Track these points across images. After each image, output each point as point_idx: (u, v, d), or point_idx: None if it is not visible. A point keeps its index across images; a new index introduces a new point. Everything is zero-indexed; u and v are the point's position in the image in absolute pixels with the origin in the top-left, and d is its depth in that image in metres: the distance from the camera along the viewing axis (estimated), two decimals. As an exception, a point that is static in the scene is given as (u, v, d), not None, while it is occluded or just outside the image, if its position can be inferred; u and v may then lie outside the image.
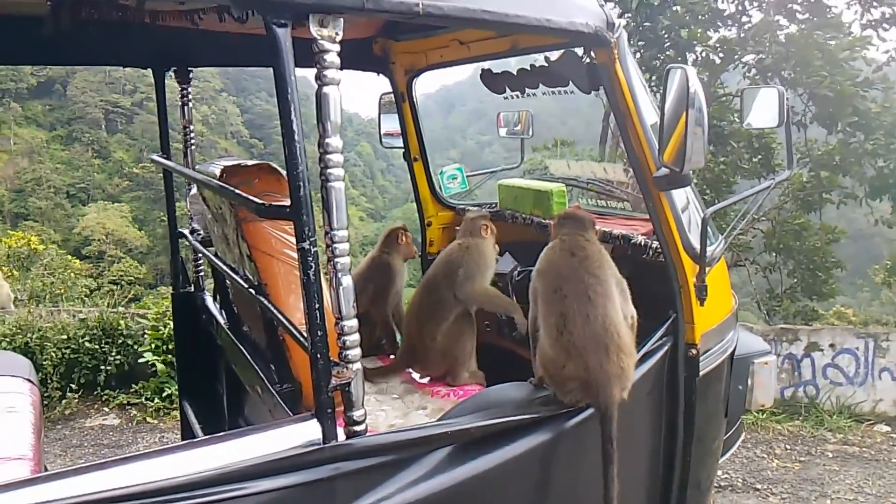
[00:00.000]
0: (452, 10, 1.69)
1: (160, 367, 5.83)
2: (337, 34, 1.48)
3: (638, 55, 9.17)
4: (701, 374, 2.35)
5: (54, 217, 42.36)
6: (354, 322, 1.55)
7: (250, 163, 2.34)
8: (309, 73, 1.57)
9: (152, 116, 3.30)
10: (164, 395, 5.83)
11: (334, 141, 1.50)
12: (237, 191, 1.87)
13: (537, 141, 12.69)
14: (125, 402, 5.94)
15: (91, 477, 1.39)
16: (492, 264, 2.96)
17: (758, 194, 2.68)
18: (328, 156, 1.49)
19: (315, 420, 1.52)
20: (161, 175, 3.40)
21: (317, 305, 1.49)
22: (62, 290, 10.24)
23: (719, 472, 4.69)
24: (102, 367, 5.94)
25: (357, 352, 1.56)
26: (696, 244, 2.30)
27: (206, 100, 53.49)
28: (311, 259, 1.47)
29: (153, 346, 5.87)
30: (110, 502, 1.32)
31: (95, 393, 6.03)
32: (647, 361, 2.24)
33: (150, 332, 5.95)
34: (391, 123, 3.78)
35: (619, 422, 2.01)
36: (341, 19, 1.48)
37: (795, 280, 9.85)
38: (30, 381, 2.88)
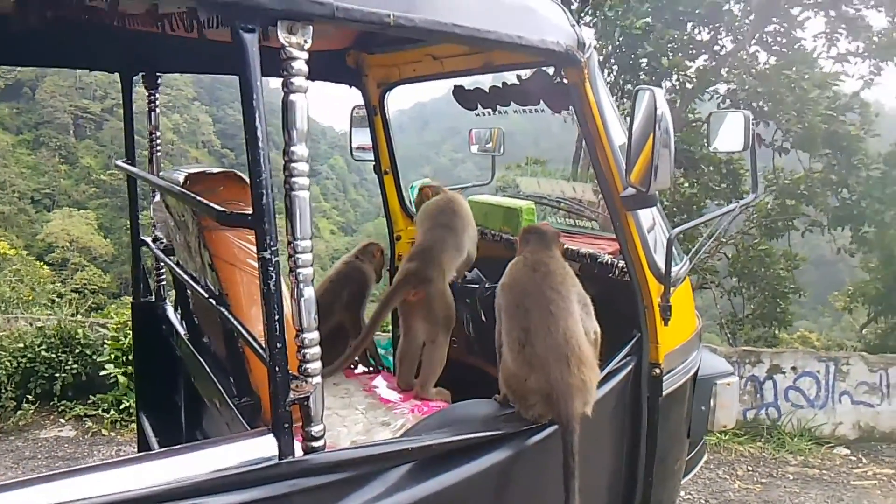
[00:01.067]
0: (423, 22, 1.69)
1: (121, 379, 5.69)
2: (306, 41, 1.47)
3: (610, 78, 9.33)
4: (664, 393, 2.36)
5: (17, 223, 41.35)
6: (315, 335, 1.53)
7: (215, 170, 2.30)
8: (275, 83, 1.55)
9: (121, 123, 3.24)
10: (122, 407, 5.69)
11: (300, 149, 1.47)
12: (199, 198, 1.83)
13: (510, 159, 12.80)
14: (82, 413, 5.79)
15: (37, 489, 1.33)
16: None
17: (722, 217, 2.72)
18: (293, 164, 1.47)
19: (271, 434, 1.48)
20: (126, 181, 3.34)
21: (276, 317, 1.46)
22: (30, 297, 9.98)
23: (682, 493, 4.71)
24: (59, 377, 5.79)
25: (317, 365, 1.53)
26: (662, 264, 2.32)
27: (178, 108, 52.95)
28: (271, 269, 1.45)
29: (113, 356, 5.73)
30: None
31: (51, 403, 5.87)
32: (611, 380, 2.24)
33: (110, 343, 5.81)
34: (363, 137, 3.76)
35: (581, 439, 2.01)
36: (310, 27, 1.47)
37: (756, 305, 10.03)
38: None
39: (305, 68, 1.47)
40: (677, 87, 9.40)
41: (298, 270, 1.50)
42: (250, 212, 1.46)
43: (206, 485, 1.40)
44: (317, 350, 1.53)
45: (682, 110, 9.34)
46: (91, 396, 5.85)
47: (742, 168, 9.64)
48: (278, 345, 1.46)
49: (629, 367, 2.30)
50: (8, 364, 5.67)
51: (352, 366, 3.18)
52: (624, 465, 2.41)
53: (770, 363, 5.97)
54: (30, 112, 49.31)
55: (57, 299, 9.31)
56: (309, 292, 1.51)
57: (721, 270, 10.62)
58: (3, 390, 5.58)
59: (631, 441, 2.38)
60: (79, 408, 5.81)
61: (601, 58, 9.31)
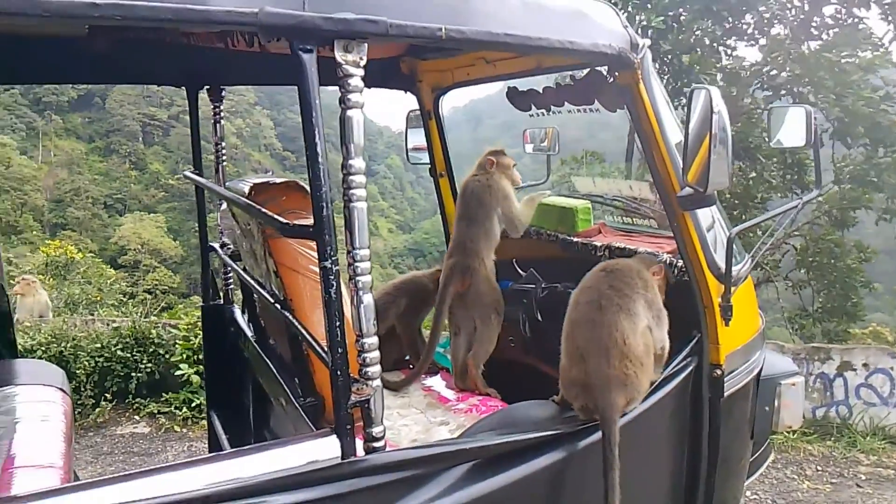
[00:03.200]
0: (475, 34, 1.72)
1: (193, 378, 5.92)
2: (361, 59, 1.52)
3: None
4: (726, 394, 2.33)
5: (91, 227, 43.33)
6: (375, 340, 1.58)
7: (279, 180, 2.40)
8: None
9: (187, 129, 3.39)
10: (193, 404, 5.92)
11: (357, 163, 1.53)
12: (263, 209, 1.91)
13: (566, 152, 12.67)
14: (155, 410, 6.05)
15: (114, 489, 1.42)
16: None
17: (785, 213, 2.65)
18: (351, 177, 1.53)
19: (334, 435, 1.55)
20: (194, 189, 3.49)
21: (337, 323, 1.52)
22: (97, 298, 10.47)
23: (748, 493, 4.61)
24: (134, 376, 6.07)
25: (377, 369, 1.59)
26: (722, 264, 2.29)
27: (240, 113, 54.45)
28: (332, 277, 1.51)
29: (184, 356, 5.97)
30: None
31: (127, 401, 6.15)
32: (671, 381, 2.23)
33: (181, 343, 6.06)
34: (418, 139, 3.82)
35: (637, 439, 2.01)
36: (365, 44, 1.52)
37: (825, 299, 9.66)
38: (62, 390, 2.95)
39: (362, 84, 1.52)
40: (726, 76, 9.09)
41: (358, 279, 1.55)
42: (311, 223, 1.53)
43: (272, 484, 1.47)
44: (376, 354, 1.59)
45: (739, 98, 9.07)
46: (164, 394, 6.11)
47: (807, 158, 9.29)
48: (339, 350, 1.52)
49: (689, 369, 2.29)
50: (86, 363, 5.97)
51: (410, 366, 3.25)
52: (686, 467, 2.39)
53: (840, 360, 5.76)
54: (101, 121, 51.54)
55: (124, 299, 9.72)
56: (368, 299, 1.57)
57: (788, 264, 10.25)
58: (83, 388, 5.89)
59: (692, 442, 2.36)
60: (152, 405, 6.08)
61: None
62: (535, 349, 3.35)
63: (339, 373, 1.53)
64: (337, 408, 1.54)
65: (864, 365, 5.73)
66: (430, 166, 3.74)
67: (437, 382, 3.22)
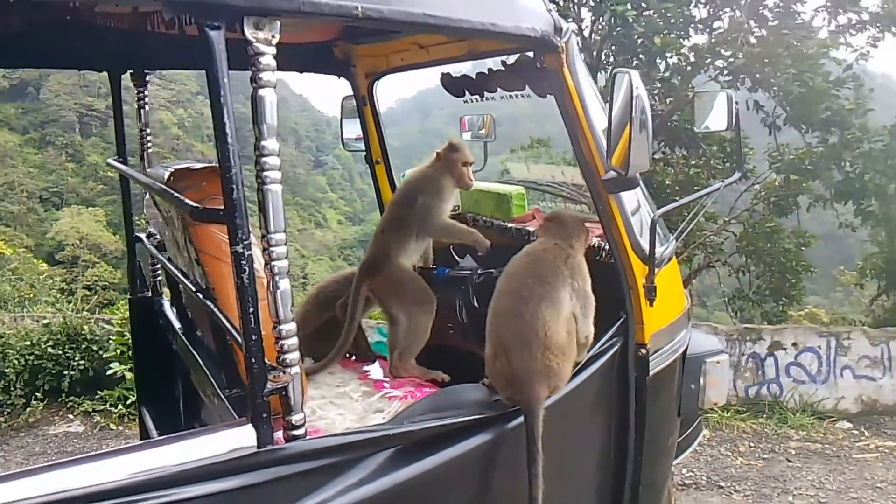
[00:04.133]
0: (393, 13, 1.69)
1: (128, 375, 5.75)
2: (273, 37, 1.48)
3: (610, 60, 9.25)
4: (651, 373, 2.38)
5: (27, 222, 41.55)
6: (293, 326, 1.56)
7: (199, 166, 2.33)
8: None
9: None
10: (129, 402, 5.76)
11: (270, 144, 1.50)
12: (177, 194, 1.85)
13: (514, 141, 12.77)
14: (90, 408, 5.87)
15: (19, 483, 1.37)
16: (448, 198, 2.94)
17: (707, 195, 2.72)
18: (264, 158, 1.49)
19: (250, 425, 1.52)
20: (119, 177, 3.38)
21: (251, 309, 1.49)
22: (30, 295, 10.08)
23: (684, 471, 4.75)
24: (66, 374, 5.87)
25: (295, 356, 1.57)
26: (646, 245, 2.33)
27: (182, 102, 52.95)
28: (244, 262, 1.47)
29: (118, 351, 5.79)
30: None
31: (60, 400, 5.95)
32: (596, 361, 2.27)
33: (115, 338, 5.88)
34: (355, 127, 3.77)
35: (567, 420, 2.03)
36: (277, 22, 1.48)
37: (764, 283, 9.97)
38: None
39: (274, 63, 1.49)
40: (676, 66, 9.29)
41: (273, 263, 1.52)
42: (222, 207, 1.49)
43: (185, 475, 1.43)
44: (294, 341, 1.56)
45: (682, 89, 9.26)
46: (98, 392, 5.92)
47: (745, 146, 9.56)
48: (254, 336, 1.49)
49: (615, 349, 2.33)
50: (16, 362, 5.75)
51: (347, 355, 3.22)
52: (614, 446, 2.43)
53: (771, 340, 5.97)
54: (35, 111, 49.43)
55: (60, 296, 9.38)
56: (285, 284, 1.54)
57: (728, 249, 10.56)
58: (12, 388, 5.67)
59: (620, 421, 2.40)
60: (87, 403, 5.89)
61: (599, 38, 9.23)
62: (472, 335, 3.35)
63: (253, 360, 1.50)
64: (253, 396, 1.51)
65: (794, 344, 5.95)
66: (365, 154, 3.71)
67: (374, 370, 3.21)
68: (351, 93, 3.61)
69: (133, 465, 1.46)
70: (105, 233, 39.58)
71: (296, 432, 1.58)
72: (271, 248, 1.52)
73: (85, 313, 6.55)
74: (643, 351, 2.35)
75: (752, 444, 5.34)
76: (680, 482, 4.63)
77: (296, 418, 1.58)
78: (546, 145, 12.39)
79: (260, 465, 1.50)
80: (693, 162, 9.82)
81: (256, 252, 1.57)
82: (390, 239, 2.87)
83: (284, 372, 1.54)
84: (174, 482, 1.42)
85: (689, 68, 9.33)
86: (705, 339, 3.12)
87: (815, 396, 5.90)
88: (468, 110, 3.92)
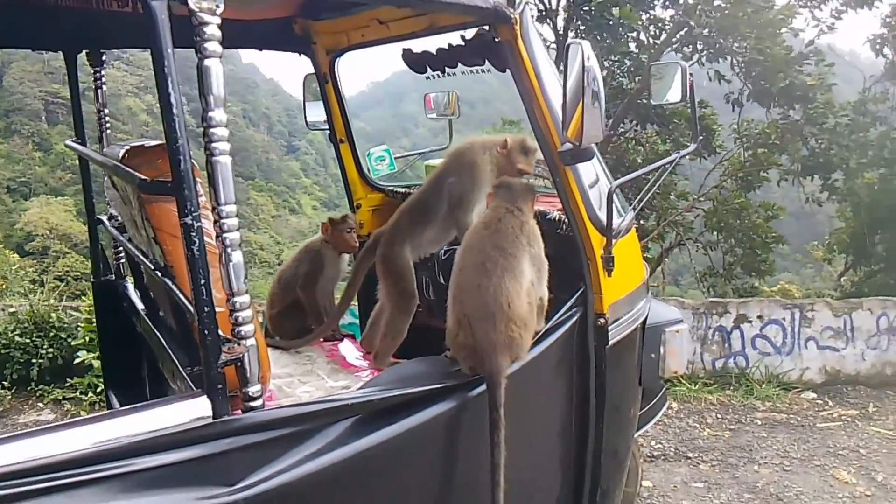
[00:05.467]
0: None
1: (95, 363, 5.69)
2: (217, 7, 1.47)
3: (580, 36, 9.23)
4: (611, 342, 2.42)
5: (-6, 212, 40.78)
6: (246, 298, 1.56)
7: (153, 143, 2.30)
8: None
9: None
10: (99, 389, 5.69)
11: (218, 114, 1.50)
12: (128, 169, 1.84)
13: (485, 123, 12.79)
14: (60, 396, 5.80)
15: None
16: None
17: (662, 167, 2.75)
18: (212, 129, 1.49)
19: (205, 396, 1.52)
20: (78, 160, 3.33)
21: (202, 281, 1.49)
22: (2, 286, 9.90)
23: (652, 443, 4.84)
24: (35, 362, 5.79)
25: (250, 328, 1.57)
26: (603, 217, 2.36)
27: (150, 88, 51.78)
28: (194, 234, 1.47)
29: (87, 339, 5.72)
30: None
31: (29, 388, 5.87)
32: (556, 331, 2.30)
33: (83, 325, 5.80)
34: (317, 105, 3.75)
35: (528, 390, 2.06)
36: None
37: (735, 258, 10.10)
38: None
39: (218, 33, 1.48)
40: (643, 43, 9.32)
41: (225, 235, 1.53)
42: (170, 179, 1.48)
43: (142, 445, 1.44)
44: (248, 313, 1.57)
45: (652, 60, 9.29)
46: (68, 380, 5.85)
47: (714, 123, 9.66)
48: (206, 308, 1.49)
49: (574, 318, 2.36)
50: (-18, 351, 5.67)
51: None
52: (575, 416, 2.47)
53: (737, 313, 6.08)
54: (-1, 100, 48.33)
55: (32, 286, 9.22)
56: (237, 256, 1.54)
57: (699, 227, 10.68)
58: (-22, 377, 5.59)
59: (580, 391, 2.44)
60: (56, 391, 5.82)
61: (566, 14, 9.21)
62: (439, 311, 3.38)
63: (206, 332, 1.51)
64: (207, 367, 1.52)
65: (759, 317, 6.06)
66: (329, 132, 3.69)
67: (343, 349, 3.22)
68: (313, 71, 3.59)
69: (91, 436, 1.47)
70: (75, 222, 38.88)
71: (253, 404, 1.59)
72: (222, 221, 1.52)
73: (52, 301, 6.44)
74: (602, 321, 2.38)
75: (719, 416, 5.46)
76: (648, 454, 4.73)
77: (252, 390, 1.59)
78: (518, 126, 12.41)
79: (216, 436, 1.51)
80: (663, 138, 9.90)
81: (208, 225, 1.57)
82: (405, 223, 2.83)
83: (239, 344, 1.55)
84: (131, 452, 1.43)
85: (656, 44, 9.37)
86: (665, 308, 3.18)
87: (780, 368, 6.03)
88: (441, 90, 3.91)
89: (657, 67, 2.70)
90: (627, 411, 2.78)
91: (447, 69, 3.11)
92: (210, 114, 1.48)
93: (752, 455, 4.84)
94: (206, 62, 1.47)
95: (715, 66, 9.08)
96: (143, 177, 1.70)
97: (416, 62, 3.20)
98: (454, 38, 3.06)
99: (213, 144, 1.49)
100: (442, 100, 3.93)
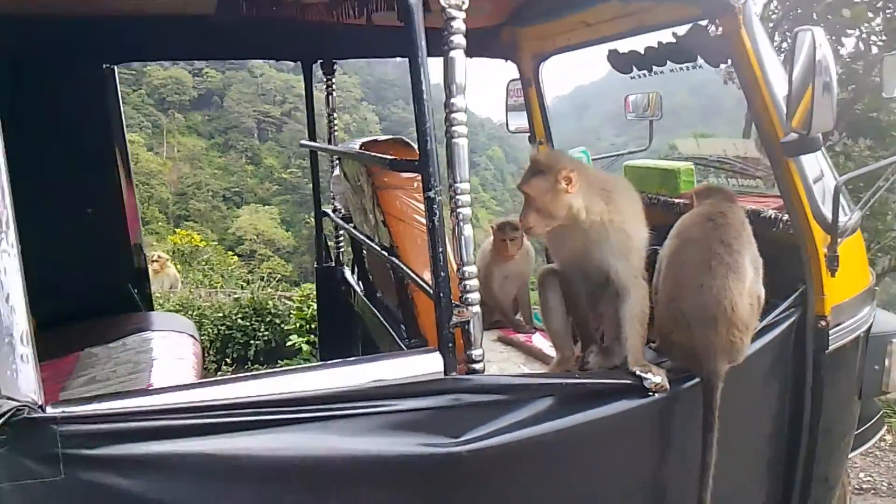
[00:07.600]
0: None
1: (305, 347, 6.27)
2: (463, 3, 1.63)
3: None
4: (831, 348, 2.27)
5: (212, 218, 46.00)
6: (474, 268, 1.70)
7: (384, 137, 2.56)
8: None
9: (299, 125, 3.66)
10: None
11: (459, 101, 1.65)
12: (373, 154, 2.07)
13: (675, 137, 12.33)
14: (272, 376, 6.44)
15: (241, 386, 1.62)
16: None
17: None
18: (453, 114, 1.65)
19: (437, 353, 1.68)
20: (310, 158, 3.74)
21: (440, 249, 1.64)
22: (219, 283, 11.22)
23: (861, 475, 4.41)
24: (252, 343, 6.50)
25: (476, 296, 1.70)
26: (828, 213, 2.24)
27: (347, 109, 56.07)
28: (435, 206, 1.63)
29: (298, 325, 6.33)
30: (255, 407, 1.52)
31: (246, 367, 6.59)
32: (771, 332, 2.20)
33: (295, 312, 6.43)
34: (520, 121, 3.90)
35: (734, 391, 1.99)
36: None
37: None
38: (193, 337, 3.30)
39: (463, 27, 1.64)
40: (859, 51, 8.49)
41: (458, 210, 1.68)
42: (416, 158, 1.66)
43: (382, 391, 1.62)
44: (475, 282, 1.70)
45: (867, 74, 8.45)
46: (279, 361, 6.51)
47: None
48: (442, 273, 1.64)
49: (792, 319, 2.25)
50: (210, 331, 6.45)
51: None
52: (787, 426, 2.34)
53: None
54: (219, 118, 54.58)
55: (245, 284, 10.37)
56: (468, 230, 1.69)
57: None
58: (206, 354, 6.35)
59: (794, 399, 2.31)
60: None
61: (778, 15, 8.65)
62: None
63: (441, 295, 1.65)
64: (440, 328, 1.67)
65: None
66: (529, 134, 3.82)
67: (536, 341, 3.31)
68: (517, 77, 3.74)
69: (341, 378, 1.68)
70: (279, 230, 42.89)
71: (475, 366, 1.72)
72: (457, 196, 1.67)
73: (269, 290, 7.21)
74: (823, 323, 2.25)
75: (947, 455, 4.82)
76: (856, 485, 4.30)
77: (475, 353, 1.71)
78: (709, 138, 11.83)
79: (447, 391, 1.65)
80: (878, 154, 8.92)
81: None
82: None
83: (468, 309, 1.68)
84: (376, 395, 1.60)
85: (874, 51, 8.51)
86: (892, 317, 2.89)
87: None
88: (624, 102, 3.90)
89: (891, 58, 2.51)
90: (842, 430, 2.55)
91: (655, 68, 3.12)
92: (452, 100, 1.64)
93: None
94: (452, 53, 1.63)
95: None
96: (390, 156, 1.91)
97: (622, 63, 3.23)
98: (663, 37, 3.07)
99: (454, 128, 1.65)
100: (641, 101, 3.91)
